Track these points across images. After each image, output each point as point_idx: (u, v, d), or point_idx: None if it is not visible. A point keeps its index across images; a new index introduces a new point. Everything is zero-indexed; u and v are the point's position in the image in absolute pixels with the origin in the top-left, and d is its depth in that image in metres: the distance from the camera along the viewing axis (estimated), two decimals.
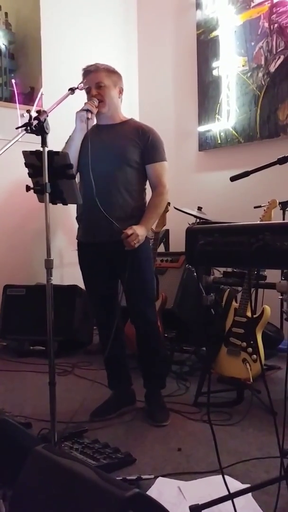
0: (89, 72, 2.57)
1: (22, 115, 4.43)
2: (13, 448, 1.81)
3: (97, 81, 2.55)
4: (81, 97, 2.50)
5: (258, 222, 2.85)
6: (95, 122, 2.61)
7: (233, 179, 1.95)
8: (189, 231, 1.43)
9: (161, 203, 2.62)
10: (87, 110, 2.47)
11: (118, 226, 2.44)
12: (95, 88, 2.55)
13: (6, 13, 4.49)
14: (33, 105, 4.55)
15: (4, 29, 4.48)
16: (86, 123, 2.45)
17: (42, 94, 4.62)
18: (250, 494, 1.78)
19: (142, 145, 2.56)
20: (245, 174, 1.89)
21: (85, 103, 2.51)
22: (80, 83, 2.32)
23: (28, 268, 4.34)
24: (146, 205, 2.64)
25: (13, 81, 4.50)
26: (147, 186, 2.67)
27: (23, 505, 1.49)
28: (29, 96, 4.60)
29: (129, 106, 4.62)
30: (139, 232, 2.45)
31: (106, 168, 2.50)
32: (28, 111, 1.89)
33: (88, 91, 2.56)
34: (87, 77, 2.56)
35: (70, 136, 2.57)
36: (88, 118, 2.45)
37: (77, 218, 2.71)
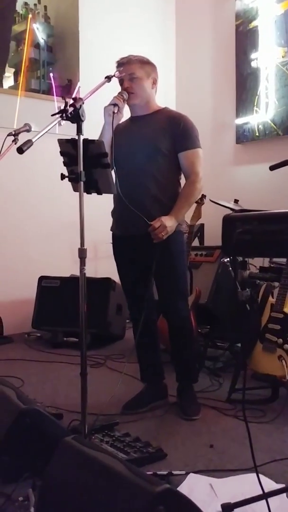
0: (121, 64, 2.53)
1: (59, 108, 4.44)
2: (43, 439, 1.81)
3: (130, 72, 2.51)
4: (117, 87, 2.49)
5: None
6: (123, 116, 2.55)
7: (272, 168, 1.88)
8: (226, 219, 1.38)
9: (193, 192, 2.54)
10: (114, 105, 2.42)
11: (145, 219, 2.39)
12: (128, 80, 2.51)
13: (45, 7, 4.51)
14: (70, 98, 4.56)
15: (43, 22, 4.50)
16: (113, 117, 2.40)
17: (79, 87, 4.62)
18: (284, 494, 1.72)
19: (173, 132, 2.50)
20: (286, 162, 1.82)
21: (114, 97, 2.46)
22: (116, 71, 2.32)
23: (63, 260, 4.35)
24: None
25: (51, 74, 4.53)
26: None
27: (52, 495, 1.48)
28: (66, 88, 4.61)
29: (165, 97, 4.57)
30: (168, 223, 2.39)
31: (136, 160, 2.46)
32: (64, 97, 1.88)
33: (121, 83, 2.53)
34: (120, 69, 2.51)
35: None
36: (114, 112, 2.40)
37: (112, 211, 2.69)
